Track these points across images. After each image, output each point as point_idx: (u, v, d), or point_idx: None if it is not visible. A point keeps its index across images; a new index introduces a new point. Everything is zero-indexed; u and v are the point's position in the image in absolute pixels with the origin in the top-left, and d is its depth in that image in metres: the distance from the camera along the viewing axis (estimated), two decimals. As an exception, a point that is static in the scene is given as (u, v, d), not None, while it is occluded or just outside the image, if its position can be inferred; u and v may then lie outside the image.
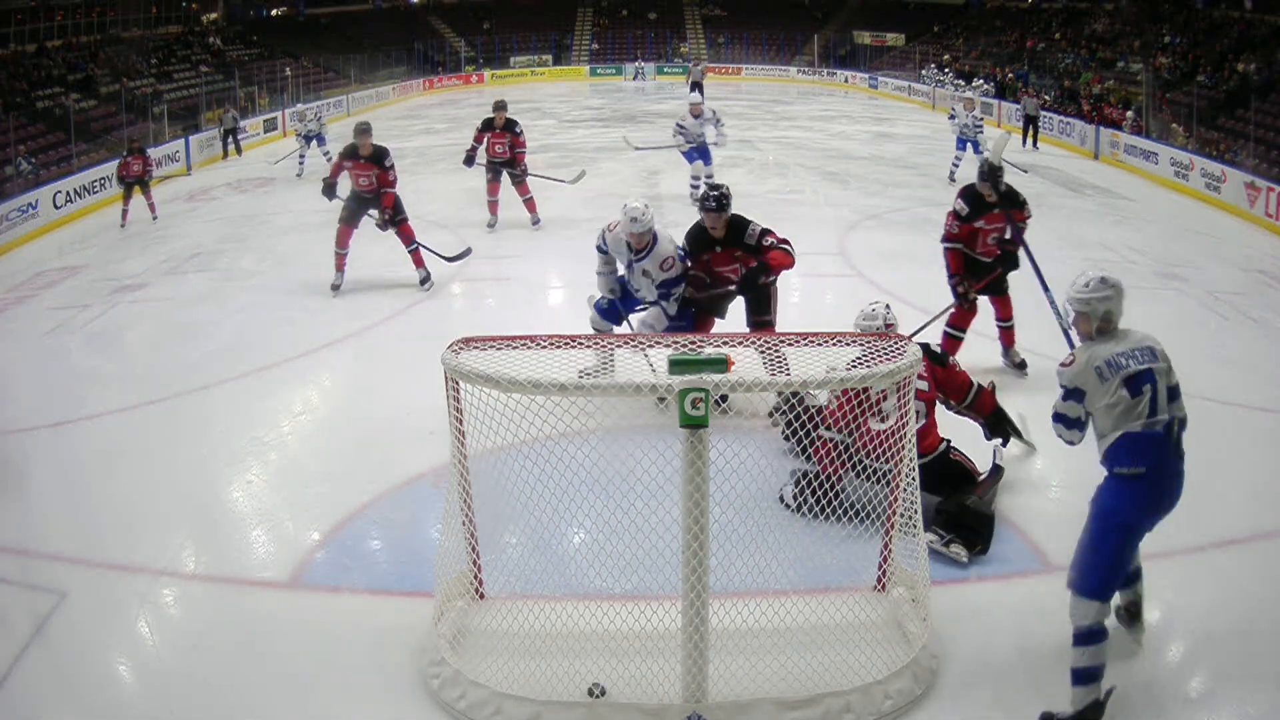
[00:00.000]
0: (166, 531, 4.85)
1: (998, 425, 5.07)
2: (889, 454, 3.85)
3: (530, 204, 11.48)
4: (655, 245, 5.84)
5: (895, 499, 3.83)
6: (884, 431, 4.22)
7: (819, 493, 4.22)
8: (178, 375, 6.93)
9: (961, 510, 4.51)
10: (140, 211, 13.02)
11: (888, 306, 4.93)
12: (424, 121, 24.74)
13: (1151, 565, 4.45)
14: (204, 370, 7.02)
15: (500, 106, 11.25)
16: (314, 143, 16.77)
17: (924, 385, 4.74)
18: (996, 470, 4.87)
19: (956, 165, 14.38)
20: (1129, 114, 19.32)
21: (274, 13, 37.28)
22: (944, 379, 4.92)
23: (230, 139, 19.70)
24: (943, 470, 4.76)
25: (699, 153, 12.43)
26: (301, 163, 16.55)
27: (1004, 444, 5.09)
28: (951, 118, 15.24)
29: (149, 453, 5.79)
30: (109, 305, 9.04)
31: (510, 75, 36.98)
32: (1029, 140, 18.49)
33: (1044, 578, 4.36)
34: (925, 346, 4.84)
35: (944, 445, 4.81)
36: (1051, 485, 5.24)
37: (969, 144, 14.45)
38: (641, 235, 5.80)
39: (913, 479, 3.81)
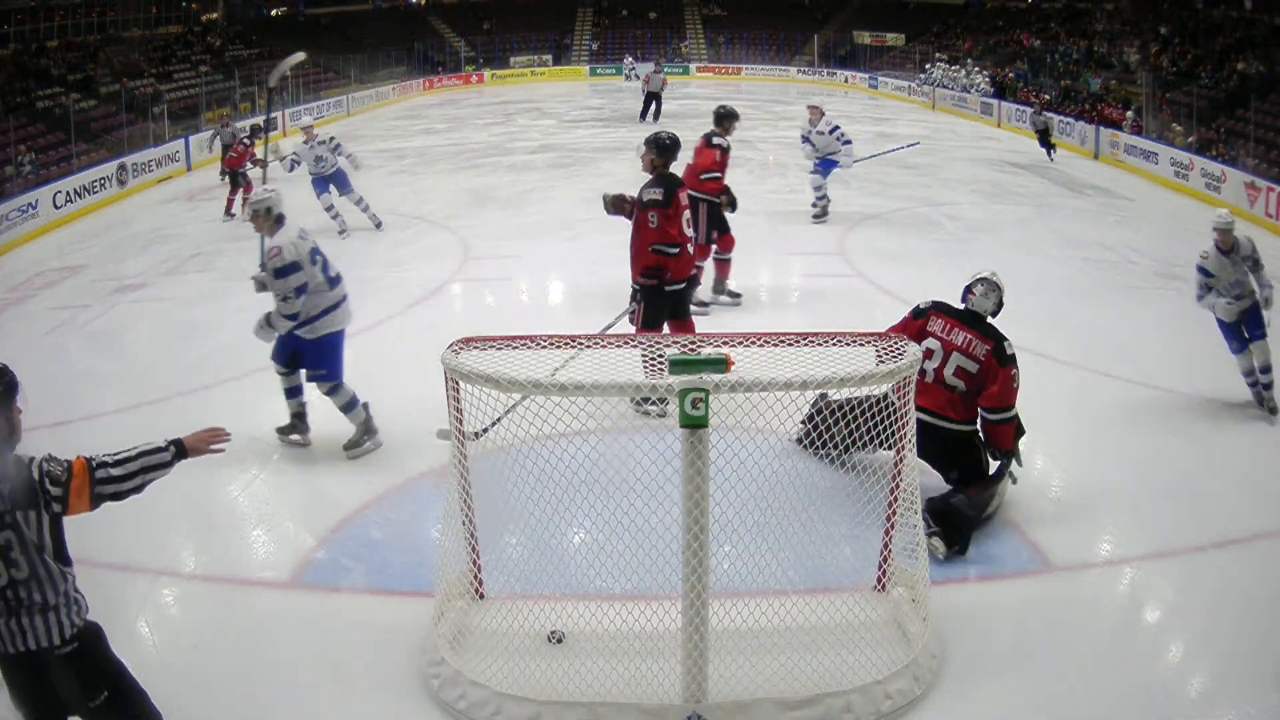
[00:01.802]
0: (166, 531, 4.85)
1: (1002, 456, 4.90)
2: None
3: (727, 268, 8.16)
4: (269, 237, 5.24)
5: (895, 498, 3.83)
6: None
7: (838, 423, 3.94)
8: (178, 375, 6.93)
9: (947, 508, 4.50)
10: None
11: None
12: (424, 121, 24.74)
13: (1152, 565, 4.48)
14: (204, 370, 7.01)
15: (732, 115, 8.33)
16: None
17: (972, 366, 4.69)
18: (999, 474, 4.82)
19: (821, 199, 11.57)
20: (1129, 114, 19.31)
21: (274, 13, 37.24)
22: (997, 378, 4.70)
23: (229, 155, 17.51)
24: (965, 450, 4.73)
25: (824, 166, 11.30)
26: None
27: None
28: (805, 139, 11.53)
29: (148, 453, 5.78)
30: (109, 305, 9.04)
31: (510, 75, 36.95)
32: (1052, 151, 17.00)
33: (1044, 578, 4.36)
34: (999, 338, 4.73)
35: (977, 427, 4.79)
36: (1051, 486, 5.24)
37: (826, 167, 11.46)
38: (257, 221, 5.23)
39: (913, 479, 3.81)
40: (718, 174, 7.73)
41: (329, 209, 11.11)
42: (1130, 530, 4.72)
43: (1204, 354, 7.25)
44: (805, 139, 11.34)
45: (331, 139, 11.26)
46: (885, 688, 3.47)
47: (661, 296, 5.88)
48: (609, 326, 5.95)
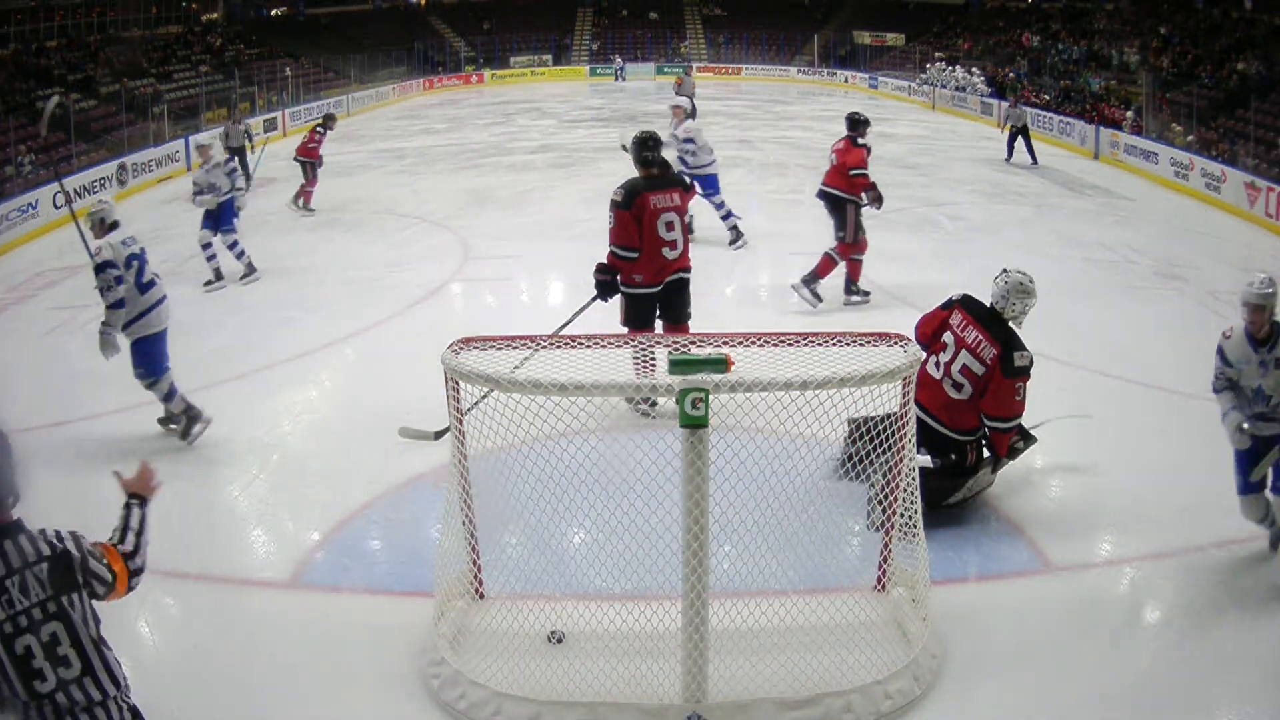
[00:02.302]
0: (166, 532, 4.84)
1: (997, 463, 4.86)
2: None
3: (858, 267, 8.19)
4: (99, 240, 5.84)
5: (895, 499, 3.83)
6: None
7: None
8: (178, 375, 6.91)
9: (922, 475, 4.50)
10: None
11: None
12: (424, 121, 24.75)
13: (1152, 565, 4.47)
14: (204, 370, 7.00)
15: (867, 121, 8.34)
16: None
17: (978, 368, 4.59)
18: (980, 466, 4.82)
19: (728, 217, 10.04)
20: (1129, 114, 19.31)
21: (274, 13, 37.27)
22: (998, 387, 4.57)
23: (238, 161, 15.43)
24: (957, 455, 4.73)
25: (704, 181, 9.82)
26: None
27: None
28: (689, 141, 10.05)
29: (149, 453, 5.78)
30: (109, 305, 9.02)
31: (510, 75, 36.98)
32: (1015, 153, 16.46)
33: (1044, 578, 4.36)
34: (1010, 345, 4.58)
35: (979, 434, 4.76)
36: (1051, 486, 5.24)
37: (711, 184, 10.01)
38: (94, 229, 5.85)
39: (913, 479, 3.81)
40: (866, 171, 7.91)
41: (206, 247, 9.23)
42: (1130, 530, 4.72)
43: (1203, 354, 7.22)
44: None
45: (228, 162, 9.61)
46: (885, 688, 3.47)
47: (637, 298, 5.84)
48: (566, 324, 5.95)
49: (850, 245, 7.98)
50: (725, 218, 10.16)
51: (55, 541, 2.25)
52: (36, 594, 2.15)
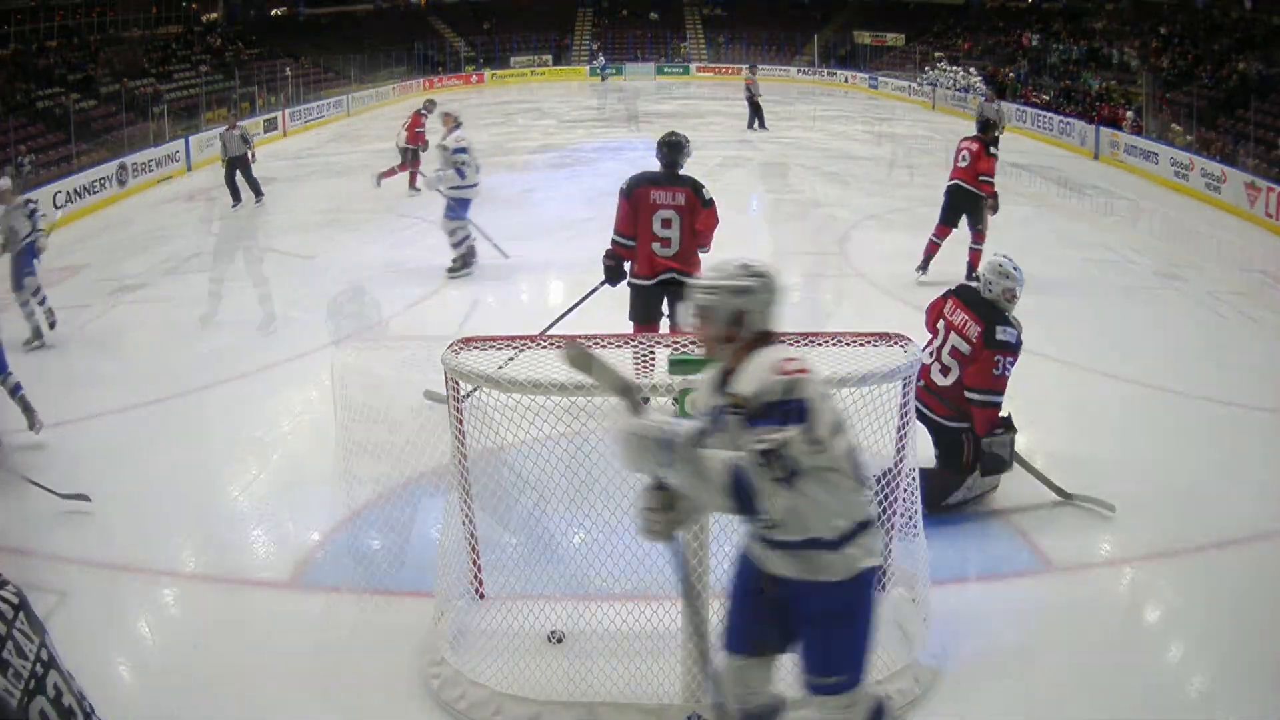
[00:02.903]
0: (166, 531, 4.85)
1: (983, 457, 4.74)
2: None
3: (976, 258, 8.69)
4: None
5: (895, 499, 3.83)
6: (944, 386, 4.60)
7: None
8: (178, 375, 6.93)
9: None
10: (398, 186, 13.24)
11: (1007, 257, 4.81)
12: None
13: (1152, 565, 4.47)
14: (204, 370, 7.02)
15: (997, 124, 9.25)
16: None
17: (965, 347, 4.67)
18: (970, 467, 4.79)
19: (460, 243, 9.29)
20: (1129, 114, 19.31)
21: (274, 13, 37.24)
22: (979, 358, 4.65)
23: (240, 174, 13.31)
24: (949, 444, 4.74)
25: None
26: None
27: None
28: (460, 151, 9.27)
29: (149, 453, 5.79)
30: (109, 305, 9.04)
31: (510, 75, 36.97)
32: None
33: (1044, 578, 4.36)
34: (993, 321, 4.64)
35: (963, 425, 4.75)
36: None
37: (461, 204, 9.28)
38: None
39: (912, 479, 3.81)
40: (993, 179, 8.72)
41: (25, 305, 7.82)
42: (1130, 530, 4.72)
43: (1203, 354, 7.27)
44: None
45: (28, 203, 8.11)
46: (885, 688, 3.46)
47: (635, 290, 5.91)
48: (572, 308, 5.99)
49: (981, 232, 8.74)
50: (457, 244, 9.39)
51: (5, 581, 1.80)
52: (29, 649, 1.79)
